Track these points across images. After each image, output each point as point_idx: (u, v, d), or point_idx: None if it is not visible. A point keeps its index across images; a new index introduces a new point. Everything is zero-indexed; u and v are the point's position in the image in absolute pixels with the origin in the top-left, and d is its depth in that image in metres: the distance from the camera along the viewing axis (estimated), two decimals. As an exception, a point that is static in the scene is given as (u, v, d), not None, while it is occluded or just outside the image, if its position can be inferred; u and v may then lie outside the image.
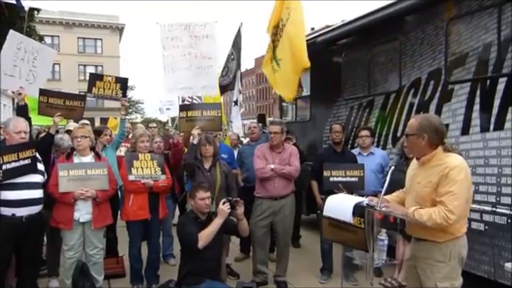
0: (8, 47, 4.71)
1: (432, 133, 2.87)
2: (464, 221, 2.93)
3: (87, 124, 5.77)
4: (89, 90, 5.30)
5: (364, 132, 5.33)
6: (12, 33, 4.78)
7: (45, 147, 4.57)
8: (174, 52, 5.76)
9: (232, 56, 7.42)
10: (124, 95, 5.44)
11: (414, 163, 3.14)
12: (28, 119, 4.43)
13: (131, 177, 4.52)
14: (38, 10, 16.79)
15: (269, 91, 68.89)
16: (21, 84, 4.74)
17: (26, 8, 5.77)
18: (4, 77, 4.69)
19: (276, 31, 6.00)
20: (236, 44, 7.66)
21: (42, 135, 5.41)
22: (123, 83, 5.40)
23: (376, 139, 5.75)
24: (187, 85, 5.83)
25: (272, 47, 6.09)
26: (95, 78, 5.38)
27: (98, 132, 5.46)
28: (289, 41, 5.71)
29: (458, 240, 2.89)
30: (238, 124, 7.83)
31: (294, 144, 5.73)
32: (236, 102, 7.90)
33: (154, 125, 6.97)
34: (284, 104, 8.89)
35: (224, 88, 7.79)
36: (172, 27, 5.80)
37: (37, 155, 4.04)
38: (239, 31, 7.56)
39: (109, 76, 5.43)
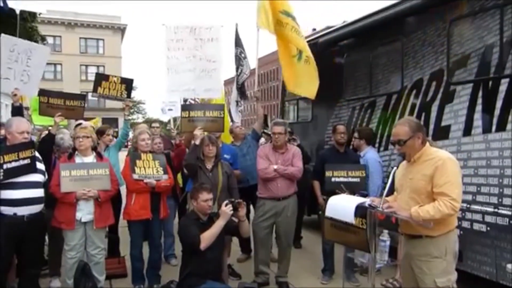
0: (2, 51, 4.71)
1: (422, 130, 3.03)
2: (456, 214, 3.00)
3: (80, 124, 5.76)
4: (95, 90, 5.32)
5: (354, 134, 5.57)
6: (4, 37, 4.79)
7: (46, 147, 4.58)
8: (179, 54, 5.79)
9: (243, 55, 7.39)
10: (129, 96, 5.46)
11: (402, 165, 3.22)
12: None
13: (135, 176, 4.53)
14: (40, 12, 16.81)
15: (270, 91, 68.90)
16: (16, 85, 4.75)
17: (17, 11, 5.71)
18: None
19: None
20: (240, 43, 7.65)
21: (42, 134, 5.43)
22: (128, 83, 5.42)
23: (377, 140, 5.75)
24: (190, 87, 5.84)
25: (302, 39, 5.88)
26: (100, 78, 5.40)
27: (100, 132, 5.47)
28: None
29: (452, 235, 2.98)
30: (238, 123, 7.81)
31: (299, 146, 5.74)
32: (237, 102, 7.89)
33: (157, 125, 6.98)
34: (286, 104, 8.89)
35: (242, 87, 7.67)
36: (178, 29, 5.83)
37: (37, 154, 4.05)
38: (236, 31, 7.58)
39: (115, 76, 5.45)
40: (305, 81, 6.00)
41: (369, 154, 5.36)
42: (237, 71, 7.39)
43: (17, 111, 4.60)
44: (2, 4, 5.42)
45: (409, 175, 3.04)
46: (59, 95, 5.01)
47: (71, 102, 4.98)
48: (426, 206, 2.81)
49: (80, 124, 5.25)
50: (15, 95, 4.66)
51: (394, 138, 3.07)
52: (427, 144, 3.03)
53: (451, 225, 2.95)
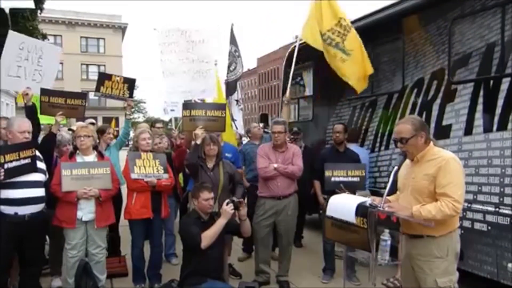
0: (9, 48, 4.68)
1: (426, 130, 2.99)
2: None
3: (93, 123, 5.82)
4: (97, 89, 5.34)
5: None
6: (12, 34, 4.75)
7: (47, 146, 4.58)
8: (172, 57, 5.91)
9: (237, 53, 7.46)
10: (131, 95, 5.48)
11: (406, 163, 3.19)
12: (37, 119, 4.44)
13: (133, 175, 4.53)
14: (41, 9, 16.80)
15: (270, 90, 68.95)
16: (28, 84, 4.72)
17: (7, 10, 5.67)
18: (8, 78, 4.68)
19: (336, 25, 5.92)
20: (235, 42, 7.70)
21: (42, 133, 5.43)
22: (130, 83, 5.44)
23: (379, 139, 5.75)
24: (186, 89, 5.94)
25: (338, 40, 5.91)
26: (104, 77, 5.42)
27: (101, 131, 5.48)
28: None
29: (453, 235, 2.96)
30: (240, 123, 7.86)
31: (306, 147, 5.73)
32: (237, 101, 7.95)
33: (160, 125, 7.01)
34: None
35: (229, 85, 7.79)
36: (169, 33, 5.94)
37: (38, 153, 4.05)
38: (232, 30, 7.63)
39: (118, 76, 5.47)
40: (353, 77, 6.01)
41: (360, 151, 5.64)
42: (229, 67, 7.47)
43: (30, 111, 4.56)
44: None
45: (412, 175, 3.02)
46: (60, 94, 5.00)
47: (72, 101, 4.98)
48: (428, 206, 2.80)
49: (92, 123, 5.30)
50: (27, 94, 4.63)
51: (396, 136, 3.05)
52: (431, 143, 3.00)
53: (453, 225, 2.93)
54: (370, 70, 5.73)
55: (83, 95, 5.20)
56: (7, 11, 5.60)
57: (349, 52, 5.81)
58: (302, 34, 5.97)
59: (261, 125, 6.78)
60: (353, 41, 5.77)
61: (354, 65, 5.81)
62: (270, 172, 4.72)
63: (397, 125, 3.13)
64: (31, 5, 5.97)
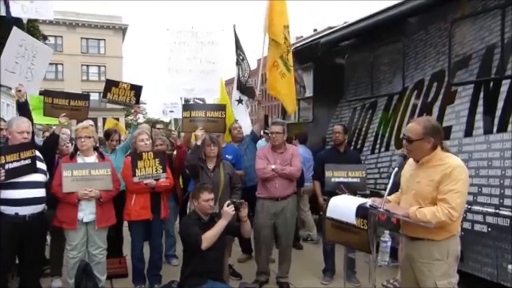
0: (11, 43, 4.72)
1: (437, 136, 2.92)
2: (460, 219, 2.98)
3: (91, 124, 5.82)
4: (104, 95, 5.42)
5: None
6: (15, 30, 4.79)
7: (50, 147, 4.59)
8: (180, 56, 6.10)
9: (241, 57, 7.51)
10: (138, 102, 5.53)
11: (410, 163, 3.16)
12: (30, 117, 4.45)
13: (135, 179, 4.50)
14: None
15: (271, 92, 68.73)
16: (20, 81, 4.76)
17: (25, 21, 5.75)
18: (5, 72, 4.71)
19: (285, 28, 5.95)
20: (239, 45, 7.72)
21: (46, 134, 5.45)
22: (137, 90, 5.49)
23: (379, 141, 5.76)
24: (190, 86, 6.04)
25: (286, 51, 6.00)
26: (111, 84, 5.48)
27: (107, 135, 5.51)
28: None
29: (454, 238, 2.94)
30: (246, 123, 7.78)
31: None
32: (240, 101, 7.89)
33: (161, 126, 7.03)
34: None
35: (248, 89, 7.87)
36: (181, 33, 6.15)
37: (38, 154, 4.06)
38: (235, 32, 7.66)
39: (125, 83, 5.55)
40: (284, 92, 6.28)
41: (299, 150, 5.92)
42: (241, 71, 7.54)
43: (23, 107, 4.57)
44: (4, 14, 5.38)
45: (417, 178, 2.98)
46: (64, 95, 5.02)
47: (76, 102, 4.99)
48: (425, 209, 2.79)
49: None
50: (19, 91, 4.65)
51: (405, 133, 3.01)
52: (438, 148, 2.93)
53: (454, 229, 2.91)
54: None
55: (86, 97, 5.23)
56: (25, 21, 5.69)
57: (290, 68, 5.87)
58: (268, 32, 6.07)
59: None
60: (291, 59, 5.86)
61: (289, 84, 5.91)
62: (268, 173, 4.72)
63: (411, 122, 3.09)
64: (50, 16, 6.03)
